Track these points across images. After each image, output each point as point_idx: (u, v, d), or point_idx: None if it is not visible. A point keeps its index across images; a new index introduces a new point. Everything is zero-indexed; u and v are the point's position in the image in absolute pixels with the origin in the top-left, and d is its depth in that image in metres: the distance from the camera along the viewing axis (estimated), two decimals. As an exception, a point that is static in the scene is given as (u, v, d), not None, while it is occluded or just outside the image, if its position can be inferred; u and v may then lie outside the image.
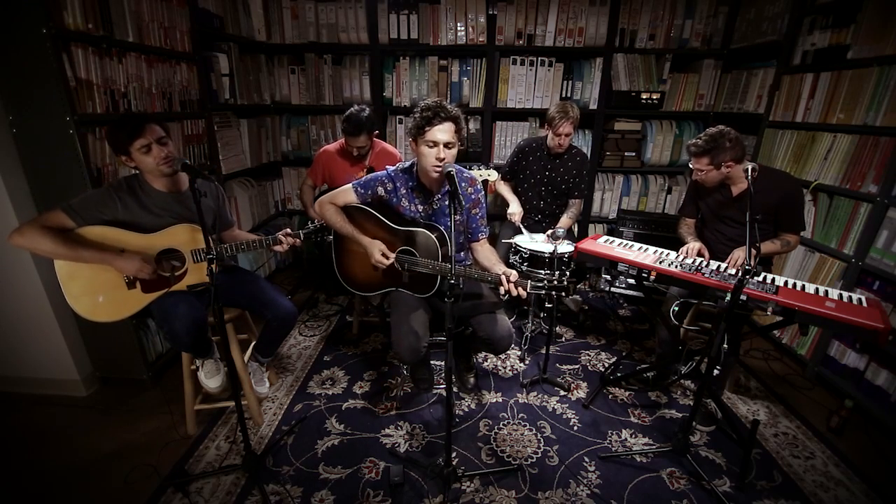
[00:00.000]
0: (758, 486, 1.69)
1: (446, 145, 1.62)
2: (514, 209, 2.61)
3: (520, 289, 1.58)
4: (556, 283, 1.56)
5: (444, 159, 1.63)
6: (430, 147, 1.63)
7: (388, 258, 1.77)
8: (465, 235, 1.93)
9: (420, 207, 1.84)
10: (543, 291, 1.58)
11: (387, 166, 1.87)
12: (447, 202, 1.81)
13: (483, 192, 1.93)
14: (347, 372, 2.33)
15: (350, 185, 1.84)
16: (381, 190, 1.83)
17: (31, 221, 1.49)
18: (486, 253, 1.89)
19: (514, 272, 1.61)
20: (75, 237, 1.54)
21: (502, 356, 2.48)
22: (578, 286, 1.61)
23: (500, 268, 1.71)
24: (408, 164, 1.84)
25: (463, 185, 1.84)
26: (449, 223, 1.84)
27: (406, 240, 1.83)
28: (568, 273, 1.58)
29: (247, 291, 1.86)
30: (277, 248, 1.77)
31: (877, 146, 2.04)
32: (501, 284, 1.59)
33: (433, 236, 1.76)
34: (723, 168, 1.90)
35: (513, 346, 2.56)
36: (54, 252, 1.50)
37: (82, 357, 2.12)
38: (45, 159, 1.79)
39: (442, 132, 1.60)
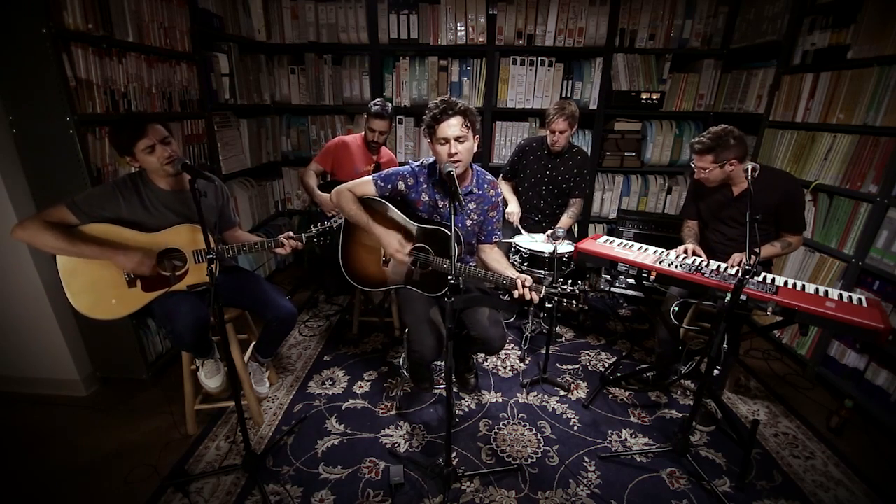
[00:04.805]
0: (758, 486, 1.69)
1: (457, 139, 1.62)
2: (513, 209, 2.61)
3: (533, 293, 1.59)
4: (568, 291, 1.58)
5: (456, 154, 1.62)
6: (442, 144, 1.63)
7: (404, 248, 1.75)
8: (478, 237, 1.93)
9: (441, 203, 1.83)
10: (556, 298, 1.59)
11: (409, 160, 1.85)
12: (468, 202, 1.83)
13: (503, 197, 1.93)
14: (347, 372, 2.33)
15: (370, 177, 1.83)
16: (401, 184, 1.82)
17: (35, 216, 1.50)
18: (495, 255, 1.89)
19: (528, 277, 1.62)
20: (77, 233, 1.54)
21: (502, 356, 2.48)
22: (578, 286, 1.61)
23: (512, 272, 1.72)
24: (430, 160, 1.83)
25: (485, 186, 1.86)
26: (466, 222, 1.86)
27: (422, 237, 1.82)
28: (580, 283, 1.60)
29: (247, 292, 1.86)
30: (279, 250, 1.77)
31: (877, 146, 2.04)
32: (516, 288, 1.60)
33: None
34: (726, 166, 1.89)
35: (513, 346, 2.57)
36: (55, 247, 1.50)
37: (82, 357, 2.12)
38: (45, 159, 1.79)
39: (451, 127, 1.60)
